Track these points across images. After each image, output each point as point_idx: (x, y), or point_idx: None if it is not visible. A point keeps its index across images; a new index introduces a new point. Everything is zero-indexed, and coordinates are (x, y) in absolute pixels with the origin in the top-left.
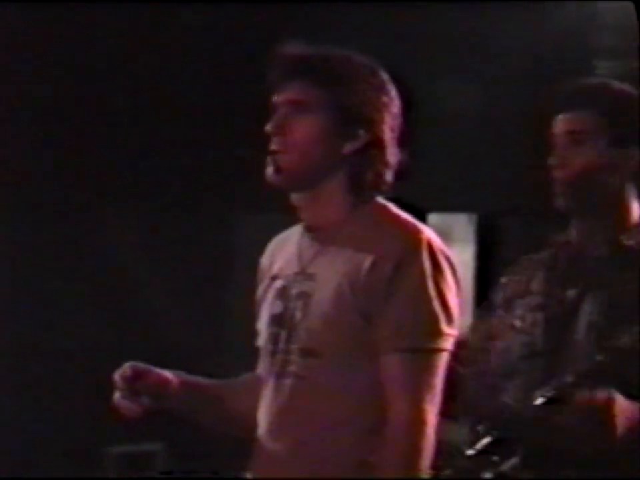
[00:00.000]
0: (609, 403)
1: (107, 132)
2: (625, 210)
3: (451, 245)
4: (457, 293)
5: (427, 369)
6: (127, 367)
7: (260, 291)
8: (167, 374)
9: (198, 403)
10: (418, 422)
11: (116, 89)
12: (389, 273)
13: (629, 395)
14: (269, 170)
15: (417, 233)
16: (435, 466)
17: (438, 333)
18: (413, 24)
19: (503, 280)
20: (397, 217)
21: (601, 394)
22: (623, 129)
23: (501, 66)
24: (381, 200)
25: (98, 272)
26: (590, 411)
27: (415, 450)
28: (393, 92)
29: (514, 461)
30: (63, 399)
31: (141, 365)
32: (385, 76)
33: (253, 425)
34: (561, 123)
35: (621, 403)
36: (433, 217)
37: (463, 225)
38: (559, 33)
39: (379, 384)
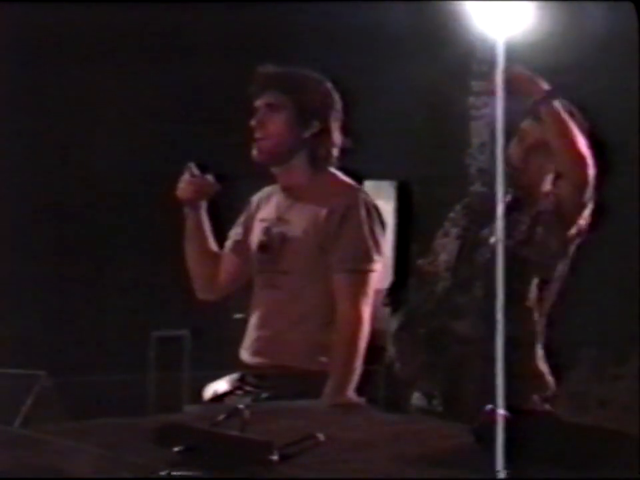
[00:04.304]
0: None
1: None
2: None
3: (379, 202)
4: (383, 233)
5: (362, 283)
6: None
7: (249, 228)
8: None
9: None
10: (356, 319)
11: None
12: (337, 219)
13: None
14: (255, 152)
15: (356, 192)
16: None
17: (370, 260)
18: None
19: (451, 214)
20: (343, 182)
21: None
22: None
23: (405, 88)
24: (332, 169)
25: None
26: None
27: (355, 337)
28: (336, 96)
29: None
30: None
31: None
32: (330, 85)
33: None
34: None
35: None
36: (367, 183)
37: (388, 188)
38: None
39: (330, 293)
